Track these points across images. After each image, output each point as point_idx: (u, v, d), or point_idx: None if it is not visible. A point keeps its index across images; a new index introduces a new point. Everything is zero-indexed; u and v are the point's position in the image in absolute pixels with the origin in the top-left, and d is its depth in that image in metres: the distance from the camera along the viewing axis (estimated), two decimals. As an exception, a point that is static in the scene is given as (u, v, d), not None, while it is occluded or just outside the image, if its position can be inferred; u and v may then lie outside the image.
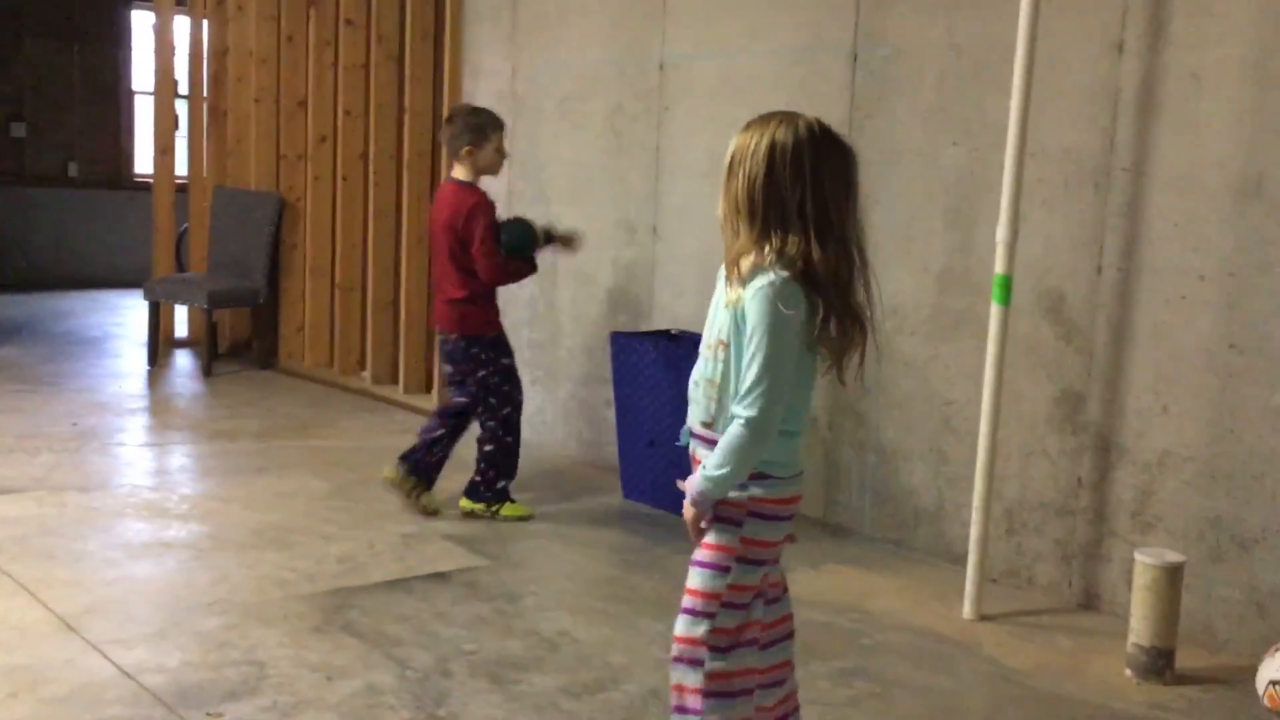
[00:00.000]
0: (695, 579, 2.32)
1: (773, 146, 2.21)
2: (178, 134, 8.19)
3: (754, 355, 2.19)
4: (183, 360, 7.79)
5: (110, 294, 10.51)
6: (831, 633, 3.55)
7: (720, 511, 2.29)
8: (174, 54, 8.00)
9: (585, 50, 5.48)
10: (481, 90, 5.98)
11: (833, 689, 3.18)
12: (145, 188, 9.20)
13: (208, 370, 7.23)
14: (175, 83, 8.06)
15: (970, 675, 3.37)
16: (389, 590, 3.77)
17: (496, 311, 4.64)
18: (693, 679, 2.30)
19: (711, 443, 2.28)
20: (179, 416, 6.30)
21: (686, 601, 2.32)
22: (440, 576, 3.92)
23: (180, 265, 8.56)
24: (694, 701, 2.29)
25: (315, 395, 6.85)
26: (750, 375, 2.20)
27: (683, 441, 2.41)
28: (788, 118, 2.25)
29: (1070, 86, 3.84)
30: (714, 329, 2.30)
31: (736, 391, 2.22)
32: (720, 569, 2.29)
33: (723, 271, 2.31)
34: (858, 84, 4.42)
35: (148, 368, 7.38)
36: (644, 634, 3.52)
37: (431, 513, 4.58)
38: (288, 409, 6.43)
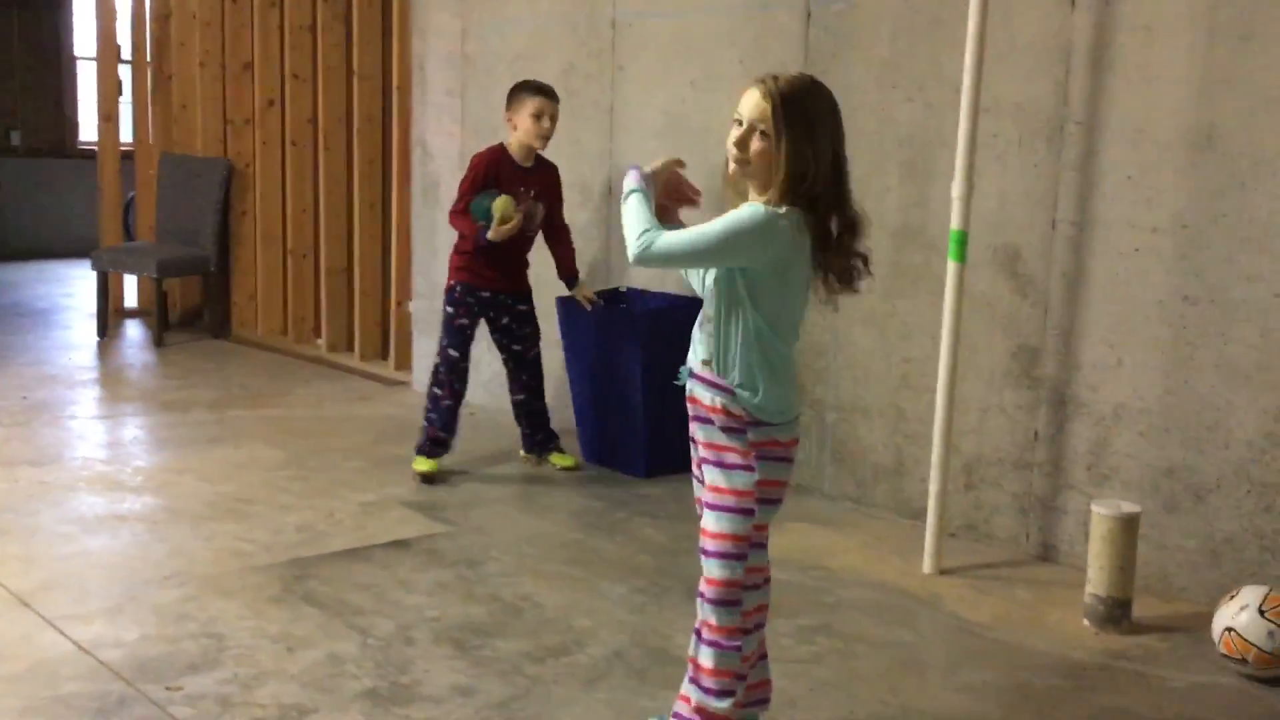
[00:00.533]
0: (722, 523, 2.41)
1: (787, 104, 2.29)
2: (122, 100, 8.02)
3: (705, 229, 2.32)
4: (133, 330, 7.68)
5: (57, 264, 10.33)
6: (794, 590, 3.56)
7: (735, 459, 2.40)
8: (116, 18, 7.82)
9: (536, 8, 5.41)
10: (431, 51, 5.90)
11: (796, 646, 3.20)
12: (90, 155, 9.04)
13: (159, 340, 7.13)
14: (118, 47, 7.89)
15: (931, 629, 3.40)
16: (349, 559, 3.75)
17: (465, 264, 4.62)
18: (728, 619, 2.42)
19: (709, 382, 2.41)
20: (131, 388, 6.21)
21: (714, 546, 2.41)
22: (401, 544, 3.90)
23: (128, 234, 8.43)
24: (733, 639, 2.42)
25: (269, 364, 6.77)
26: (687, 233, 2.35)
27: (681, 380, 2.50)
28: (802, 78, 2.36)
29: (1023, 40, 3.84)
30: (711, 270, 2.41)
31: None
32: (745, 512, 2.40)
33: None
34: (811, 40, 4.39)
35: (98, 339, 7.27)
36: (606, 597, 3.52)
37: (568, 468, 4.81)
38: (241, 378, 6.35)
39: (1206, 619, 3.26)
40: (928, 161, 4.10)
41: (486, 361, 5.55)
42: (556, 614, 3.38)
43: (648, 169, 2.51)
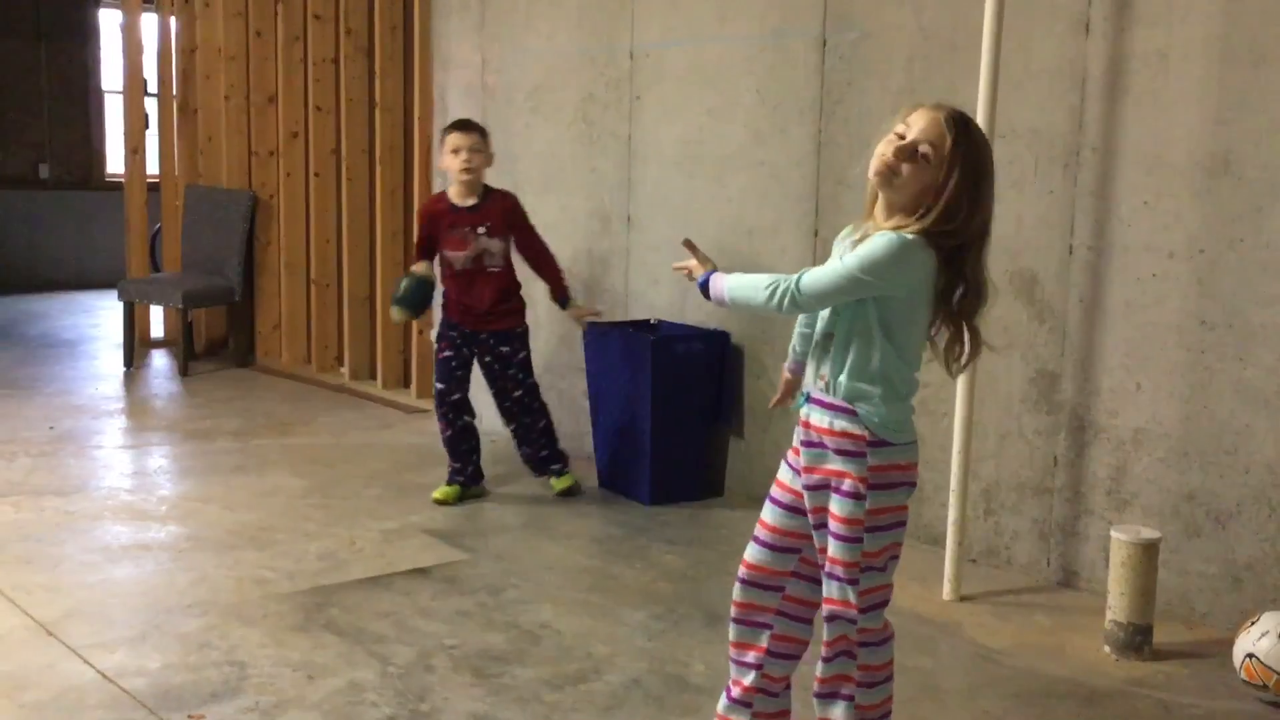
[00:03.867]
0: (840, 551, 2.42)
1: (966, 142, 2.26)
2: (148, 133, 8.13)
3: (845, 263, 2.29)
4: (159, 361, 7.75)
5: (85, 296, 10.44)
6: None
7: (849, 485, 2.38)
8: (142, 52, 7.94)
9: (554, 39, 5.47)
10: (452, 82, 5.96)
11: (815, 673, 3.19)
12: (117, 188, 9.15)
13: (184, 370, 7.20)
14: (145, 81, 8.01)
15: (951, 655, 3.39)
16: (370, 587, 3.77)
17: (446, 300, 4.77)
18: (876, 622, 2.48)
19: (826, 405, 2.38)
20: (156, 417, 6.27)
21: (843, 572, 2.42)
22: (421, 572, 3.92)
23: (155, 265, 8.51)
24: (881, 635, 2.50)
25: (293, 392, 6.82)
26: (828, 270, 2.31)
27: (797, 406, 2.48)
28: (967, 120, 2.30)
29: (1038, 67, 3.85)
30: None
31: (806, 275, 2.34)
32: (854, 540, 2.39)
33: (842, 234, 2.45)
34: (827, 68, 4.42)
35: (124, 369, 7.34)
36: (625, 623, 3.53)
37: (563, 491, 4.82)
38: (265, 407, 6.40)
39: (1228, 645, 3.25)
40: (944, 188, 4.11)
41: (507, 389, 5.58)
42: (575, 641, 3.39)
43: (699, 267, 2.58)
